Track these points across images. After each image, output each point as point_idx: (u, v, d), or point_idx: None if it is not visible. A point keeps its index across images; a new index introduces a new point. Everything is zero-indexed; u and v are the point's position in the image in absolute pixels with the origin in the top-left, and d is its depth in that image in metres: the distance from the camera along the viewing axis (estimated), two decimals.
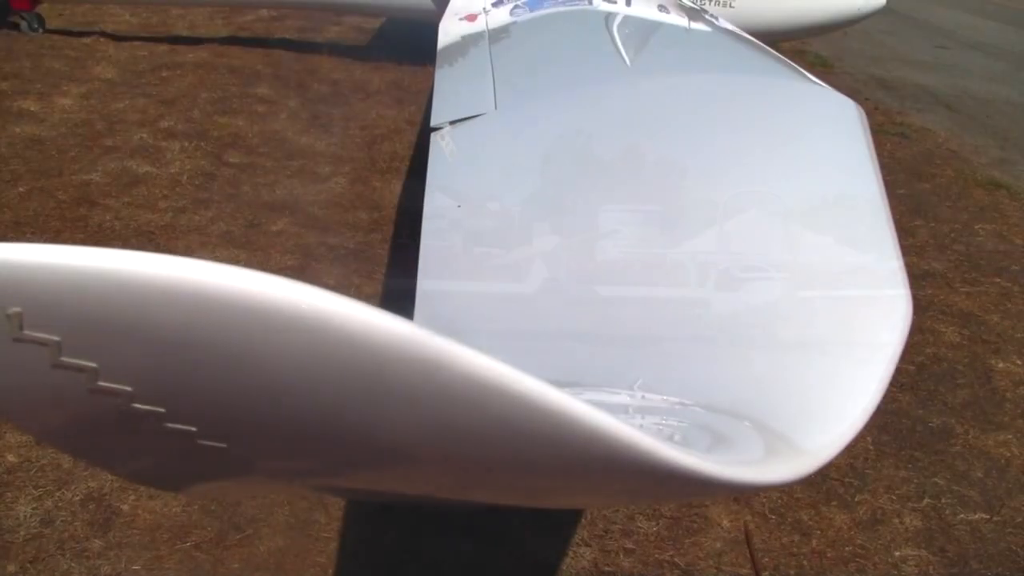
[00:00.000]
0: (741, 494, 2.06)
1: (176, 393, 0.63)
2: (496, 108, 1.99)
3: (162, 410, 0.64)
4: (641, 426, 0.73)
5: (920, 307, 3.54)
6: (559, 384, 0.60)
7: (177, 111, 4.85)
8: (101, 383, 0.60)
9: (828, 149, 1.67)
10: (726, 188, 1.49)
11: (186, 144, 4.38)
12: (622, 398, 1.09)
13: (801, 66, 7.47)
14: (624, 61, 2.54)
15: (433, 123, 2.00)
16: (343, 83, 5.72)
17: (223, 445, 0.69)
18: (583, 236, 1.39)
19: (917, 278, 3.80)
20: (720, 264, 1.32)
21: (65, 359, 0.58)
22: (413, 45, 5.96)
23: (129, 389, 0.61)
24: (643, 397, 1.11)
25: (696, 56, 2.66)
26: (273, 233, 3.53)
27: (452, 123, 1.96)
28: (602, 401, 1.06)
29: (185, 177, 3.99)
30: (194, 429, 0.66)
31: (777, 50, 8.09)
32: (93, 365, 0.59)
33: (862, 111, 1.81)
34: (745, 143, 1.65)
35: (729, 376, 1.20)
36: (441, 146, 1.86)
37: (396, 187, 4.05)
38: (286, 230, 3.57)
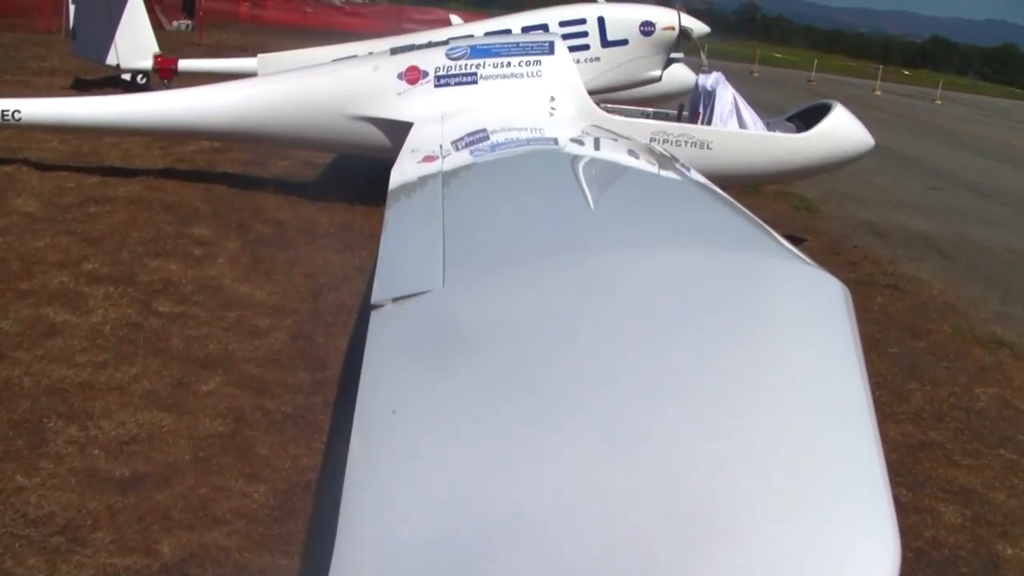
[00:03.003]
0: None
1: None
2: (444, 285, 2.06)
3: None
4: None
5: (917, 484, 3.66)
6: None
7: (104, 252, 5.01)
8: None
9: (806, 340, 1.69)
10: (690, 391, 1.51)
11: (111, 290, 4.50)
12: None
13: (784, 210, 8.06)
14: (588, 211, 2.74)
15: (374, 299, 2.03)
16: (288, 224, 5.98)
17: None
18: (537, 468, 1.34)
19: (913, 449, 3.94)
20: (678, 481, 1.29)
21: None
22: (366, 182, 6.27)
23: None
24: None
25: (664, 213, 2.83)
26: (203, 394, 3.60)
27: (395, 300, 2.00)
28: None
29: (108, 327, 4.08)
30: None
31: (759, 192, 8.67)
32: None
33: (847, 292, 1.86)
34: (713, 332, 1.70)
35: None
36: (381, 330, 1.89)
37: (342, 343, 4.18)
38: (218, 390, 3.64)
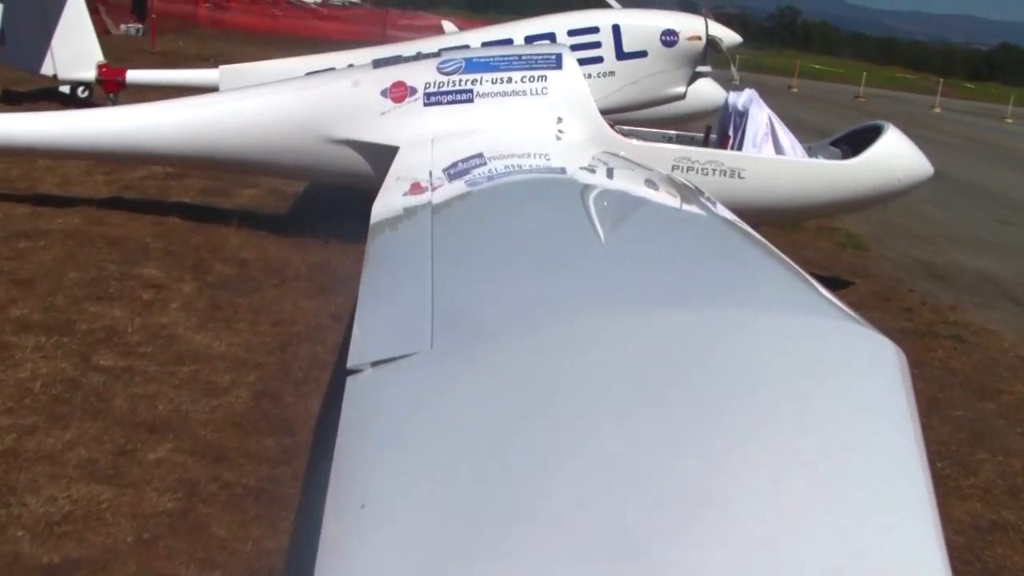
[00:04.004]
0: None
1: None
2: (433, 346, 2.02)
3: None
4: None
5: (988, 573, 3.65)
6: None
7: (35, 295, 5.05)
8: None
9: (854, 411, 1.71)
10: (726, 472, 1.52)
11: (43, 340, 4.52)
12: None
13: (828, 248, 8.18)
14: (602, 256, 2.76)
15: (351, 362, 2.01)
16: (253, 264, 6.02)
17: None
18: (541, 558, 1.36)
19: (983, 531, 3.94)
20: (726, 554, 1.35)
21: None
22: (344, 216, 6.32)
23: None
24: None
25: (688, 260, 2.85)
26: (150, 463, 3.61)
27: (375, 364, 1.97)
28: None
29: (38, 385, 4.10)
30: None
31: (799, 227, 8.77)
32: None
33: (902, 355, 1.87)
34: (743, 406, 1.70)
35: None
36: (357, 401, 1.87)
37: (314, 405, 4.19)
38: (168, 459, 3.65)
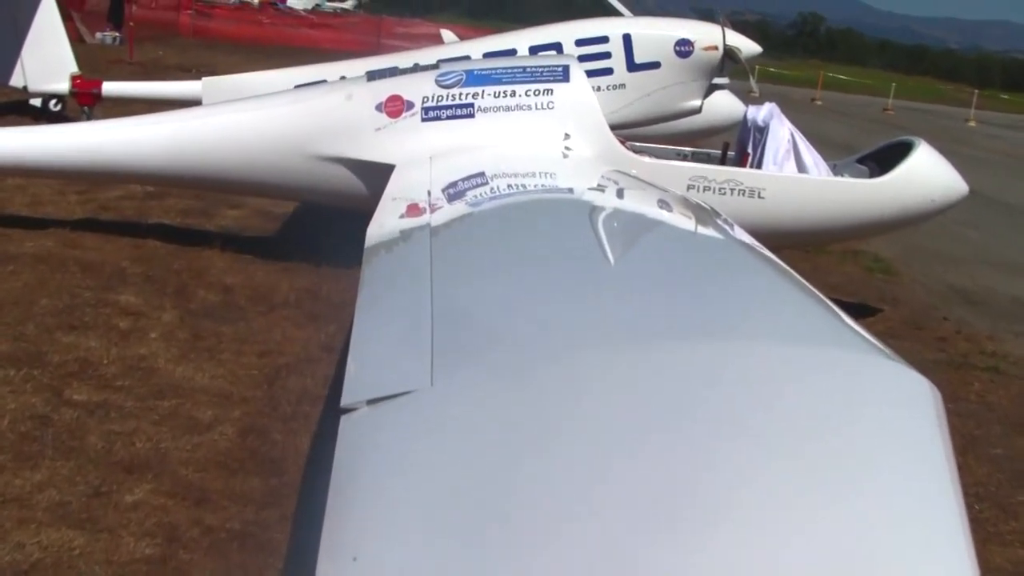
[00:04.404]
0: None
1: None
2: (433, 383, 2.02)
3: None
4: None
5: None
6: None
7: (3, 324, 5.06)
8: None
9: (885, 452, 1.72)
10: (745, 510, 1.54)
11: (12, 372, 4.53)
12: None
13: (855, 273, 8.19)
14: (612, 282, 2.77)
15: (345, 400, 2.00)
16: (239, 290, 6.04)
17: None
18: None
19: None
20: None
21: None
22: (336, 239, 6.33)
23: None
24: None
25: (704, 287, 2.86)
26: (127, 506, 3.61)
27: (371, 402, 1.97)
28: None
29: (6, 421, 4.10)
30: None
31: (824, 251, 8.91)
32: None
33: (936, 391, 1.88)
34: (770, 446, 1.71)
35: None
36: (352, 442, 1.86)
37: (304, 441, 4.20)
38: (146, 501, 3.65)
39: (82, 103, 10.93)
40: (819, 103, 35.47)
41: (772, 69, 41.91)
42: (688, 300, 2.62)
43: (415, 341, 2.27)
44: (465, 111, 5.99)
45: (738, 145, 7.41)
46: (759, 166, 6.81)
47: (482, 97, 6.00)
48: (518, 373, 2.06)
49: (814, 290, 2.65)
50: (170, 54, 20.94)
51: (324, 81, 7.85)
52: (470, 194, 4.45)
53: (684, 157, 7.41)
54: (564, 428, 1.81)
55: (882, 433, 1.78)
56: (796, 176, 6.71)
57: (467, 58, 8.06)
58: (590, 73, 6.86)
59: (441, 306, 2.53)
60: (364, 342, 2.43)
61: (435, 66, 6.43)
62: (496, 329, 2.41)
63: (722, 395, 1.89)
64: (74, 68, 11.11)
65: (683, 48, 8.76)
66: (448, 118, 5.99)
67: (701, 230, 3.73)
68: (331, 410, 3.97)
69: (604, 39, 8.69)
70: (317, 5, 36.83)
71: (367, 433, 1.91)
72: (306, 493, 3.76)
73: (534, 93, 6.03)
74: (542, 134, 5.90)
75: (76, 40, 14.62)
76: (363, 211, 4.32)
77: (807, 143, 6.95)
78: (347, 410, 1.96)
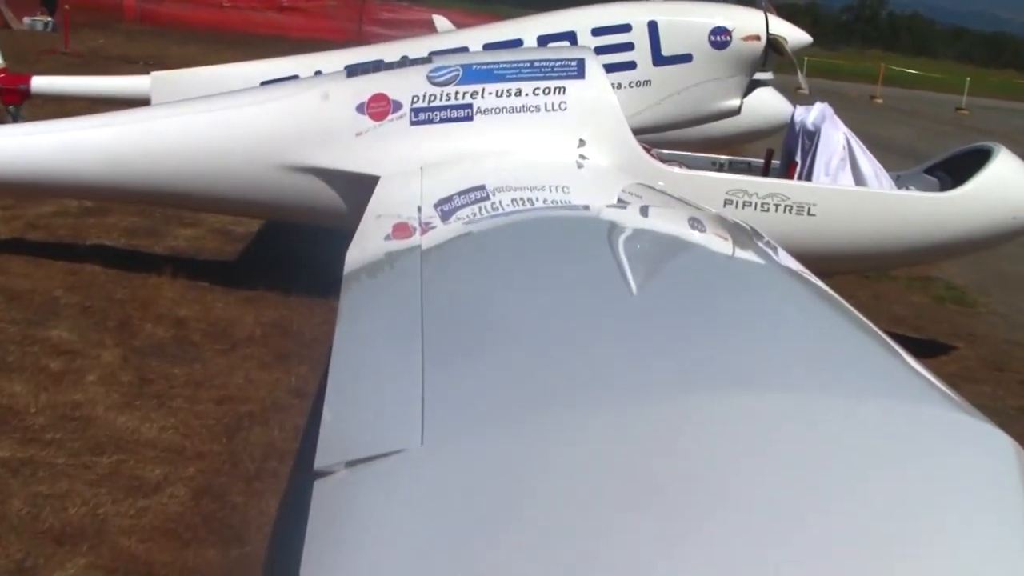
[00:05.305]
0: None
1: None
2: (423, 442, 1.99)
3: None
4: None
5: None
6: None
7: None
8: None
9: (961, 524, 1.72)
10: None
11: None
12: None
13: (923, 304, 8.23)
14: (636, 318, 2.79)
15: (320, 462, 1.97)
16: (193, 324, 6.05)
17: None
18: None
19: None
20: None
21: None
22: (309, 263, 6.36)
23: None
24: None
25: (741, 318, 2.85)
26: None
27: (350, 464, 1.94)
28: None
29: None
30: None
31: (886, 276, 8.95)
32: None
33: (1020, 450, 1.89)
34: (825, 519, 1.71)
35: None
36: (327, 511, 1.84)
37: (271, 506, 4.19)
38: None
39: (7, 102, 10.92)
40: (880, 101, 35.57)
41: (824, 61, 42.01)
42: (723, 341, 2.60)
43: (403, 389, 2.25)
44: (462, 113, 6.00)
45: (784, 152, 7.44)
46: (809, 177, 6.84)
47: (482, 96, 6.01)
48: (527, 433, 2.03)
49: (872, 327, 2.66)
50: (112, 43, 21.00)
51: (295, 77, 7.88)
52: (468, 211, 4.47)
53: (720, 167, 7.45)
54: (582, 500, 1.78)
55: (956, 501, 1.78)
56: (852, 189, 6.74)
57: (464, 50, 8.10)
58: (609, 68, 6.88)
59: (434, 346, 2.53)
60: (342, 389, 2.41)
61: (427, 59, 6.44)
62: (499, 377, 2.39)
63: (764, 463, 1.86)
64: None
65: (719, 38, 8.74)
66: (442, 121, 5.99)
67: (740, 254, 3.75)
68: (302, 469, 3.97)
69: (626, 27, 8.67)
70: None
71: (345, 501, 1.87)
72: (272, 569, 3.77)
73: (543, 92, 6.04)
74: (552, 140, 5.91)
75: (1, 26, 14.69)
76: (342, 230, 4.34)
77: (865, 150, 6.97)
78: (322, 473, 1.93)
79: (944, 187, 6.84)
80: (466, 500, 1.83)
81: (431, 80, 6.08)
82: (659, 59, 8.61)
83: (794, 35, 9.33)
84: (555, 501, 1.79)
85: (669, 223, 4.41)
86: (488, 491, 1.85)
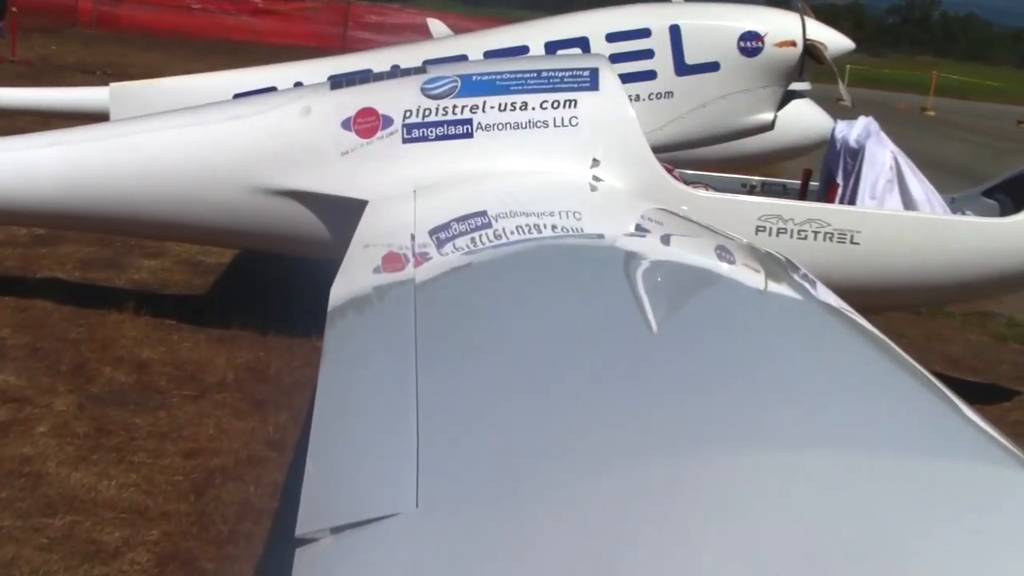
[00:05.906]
0: None
1: None
2: (419, 505, 1.97)
3: None
4: None
5: None
6: None
7: None
8: None
9: None
10: None
11: None
12: None
13: (982, 342, 8.27)
14: (658, 363, 2.79)
15: (302, 528, 1.94)
16: (158, 367, 6.06)
17: None
18: None
19: None
20: None
21: None
22: (288, 298, 6.37)
23: None
24: None
25: (774, 361, 2.85)
26: None
27: (335, 530, 1.91)
28: None
29: None
30: None
31: (939, 311, 8.99)
32: None
33: None
34: None
35: None
36: None
37: (246, 572, 4.18)
38: None
39: None
40: (931, 114, 35.65)
41: (869, 69, 42.15)
42: (754, 390, 2.59)
43: (395, 442, 2.25)
44: (461, 129, 6.00)
45: (823, 173, 7.45)
46: (852, 201, 6.85)
47: (483, 111, 6.01)
48: (531, 491, 2.03)
49: (924, 371, 2.66)
50: (66, 50, 21.09)
51: (273, 89, 7.90)
52: (467, 240, 4.47)
53: (752, 189, 7.46)
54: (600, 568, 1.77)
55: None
56: (901, 214, 6.75)
57: (463, 58, 8.13)
58: (626, 78, 6.91)
59: (429, 393, 2.53)
60: (327, 441, 2.40)
61: (421, 69, 6.47)
62: (504, 429, 2.39)
63: (800, 531, 1.84)
64: None
65: (750, 44, 8.73)
66: (438, 138, 5.99)
67: (773, 288, 3.77)
68: (282, 534, 3.97)
69: (645, 32, 8.67)
70: None
71: (330, 571, 1.86)
72: None
73: (552, 105, 6.05)
74: (562, 160, 5.93)
75: None
76: (326, 261, 4.35)
77: (915, 169, 6.97)
78: (304, 540, 1.91)
79: (1004, 211, 6.84)
80: (463, 570, 1.82)
81: (426, 92, 6.08)
82: (682, 68, 8.59)
83: (834, 40, 9.32)
84: (566, 570, 1.78)
85: (693, 253, 4.42)
86: (486, 563, 1.84)
